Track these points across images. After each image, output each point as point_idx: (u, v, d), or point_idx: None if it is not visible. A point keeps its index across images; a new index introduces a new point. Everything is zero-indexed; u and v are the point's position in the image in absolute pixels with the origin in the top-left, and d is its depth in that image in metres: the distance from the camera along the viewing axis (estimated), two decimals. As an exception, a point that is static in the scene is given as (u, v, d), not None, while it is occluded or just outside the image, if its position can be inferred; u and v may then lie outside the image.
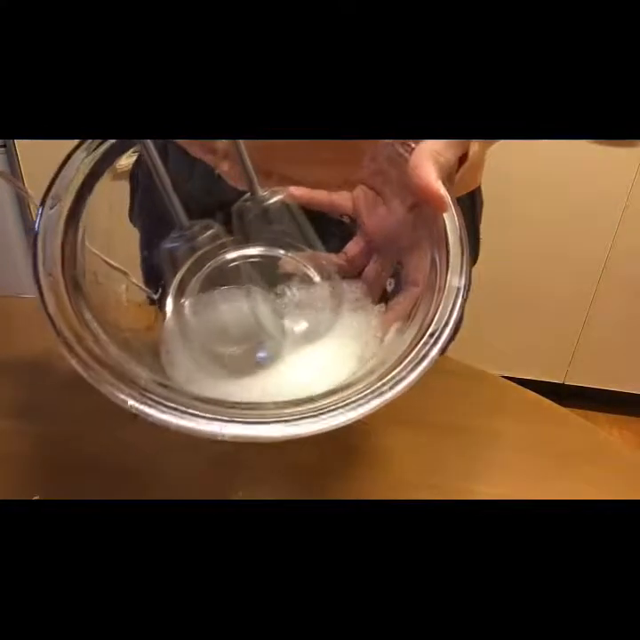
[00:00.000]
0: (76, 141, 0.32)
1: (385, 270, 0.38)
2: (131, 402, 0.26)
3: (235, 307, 0.36)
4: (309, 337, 0.36)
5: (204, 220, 0.33)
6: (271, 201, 0.36)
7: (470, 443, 0.44)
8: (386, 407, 0.49)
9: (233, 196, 0.37)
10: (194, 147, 0.43)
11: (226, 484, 0.40)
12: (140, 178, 0.44)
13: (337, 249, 0.39)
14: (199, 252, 0.33)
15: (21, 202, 1.50)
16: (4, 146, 1.38)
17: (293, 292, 0.38)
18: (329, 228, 0.39)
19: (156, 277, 0.37)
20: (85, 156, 0.32)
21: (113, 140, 0.33)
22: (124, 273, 0.37)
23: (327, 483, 0.41)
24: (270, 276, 0.38)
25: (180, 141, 0.44)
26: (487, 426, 0.45)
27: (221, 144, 0.39)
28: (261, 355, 0.34)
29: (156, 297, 0.37)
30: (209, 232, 0.33)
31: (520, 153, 1.25)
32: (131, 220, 0.47)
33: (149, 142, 0.31)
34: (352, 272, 0.39)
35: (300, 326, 0.36)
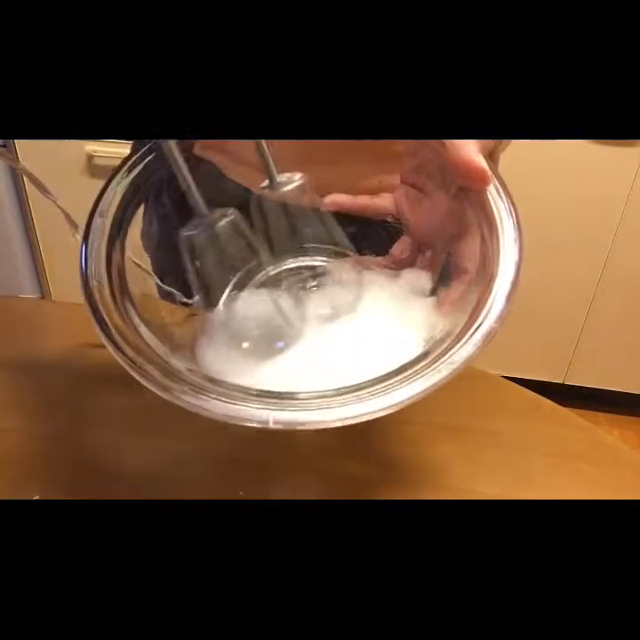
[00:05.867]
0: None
1: (433, 267, 0.37)
2: (181, 395, 0.27)
3: (259, 299, 0.36)
4: (347, 324, 0.36)
5: (223, 208, 0.33)
6: (290, 187, 0.35)
7: (470, 443, 0.44)
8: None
9: (236, 196, 0.37)
10: (196, 146, 0.43)
11: (226, 484, 0.40)
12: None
13: (381, 252, 0.39)
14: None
15: (22, 203, 1.51)
16: (4, 146, 1.38)
17: (322, 283, 0.38)
18: (372, 232, 0.39)
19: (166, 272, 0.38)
20: (126, 174, 0.36)
21: (148, 162, 0.36)
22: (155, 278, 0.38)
23: (326, 483, 0.41)
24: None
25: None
26: (487, 426, 0.45)
27: (230, 143, 0.39)
28: (279, 342, 0.35)
29: (191, 302, 0.38)
30: (228, 219, 0.32)
31: (520, 153, 1.25)
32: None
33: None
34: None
35: (326, 314, 0.36)
